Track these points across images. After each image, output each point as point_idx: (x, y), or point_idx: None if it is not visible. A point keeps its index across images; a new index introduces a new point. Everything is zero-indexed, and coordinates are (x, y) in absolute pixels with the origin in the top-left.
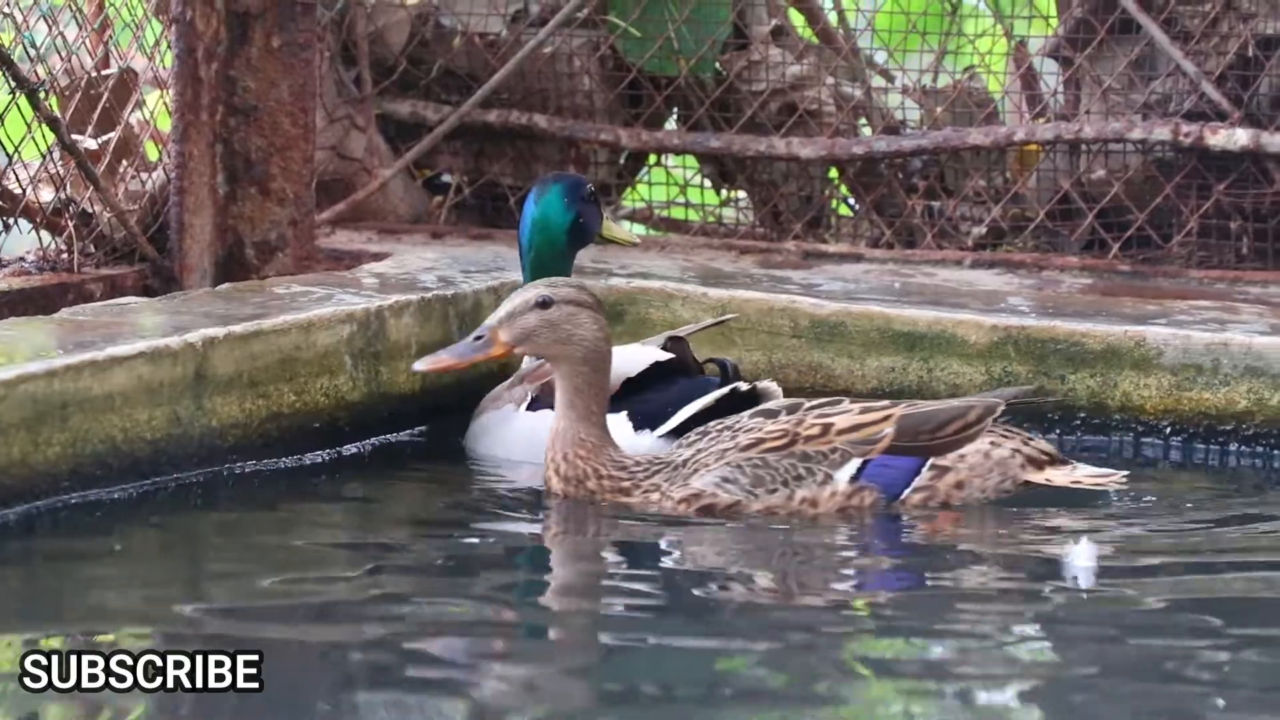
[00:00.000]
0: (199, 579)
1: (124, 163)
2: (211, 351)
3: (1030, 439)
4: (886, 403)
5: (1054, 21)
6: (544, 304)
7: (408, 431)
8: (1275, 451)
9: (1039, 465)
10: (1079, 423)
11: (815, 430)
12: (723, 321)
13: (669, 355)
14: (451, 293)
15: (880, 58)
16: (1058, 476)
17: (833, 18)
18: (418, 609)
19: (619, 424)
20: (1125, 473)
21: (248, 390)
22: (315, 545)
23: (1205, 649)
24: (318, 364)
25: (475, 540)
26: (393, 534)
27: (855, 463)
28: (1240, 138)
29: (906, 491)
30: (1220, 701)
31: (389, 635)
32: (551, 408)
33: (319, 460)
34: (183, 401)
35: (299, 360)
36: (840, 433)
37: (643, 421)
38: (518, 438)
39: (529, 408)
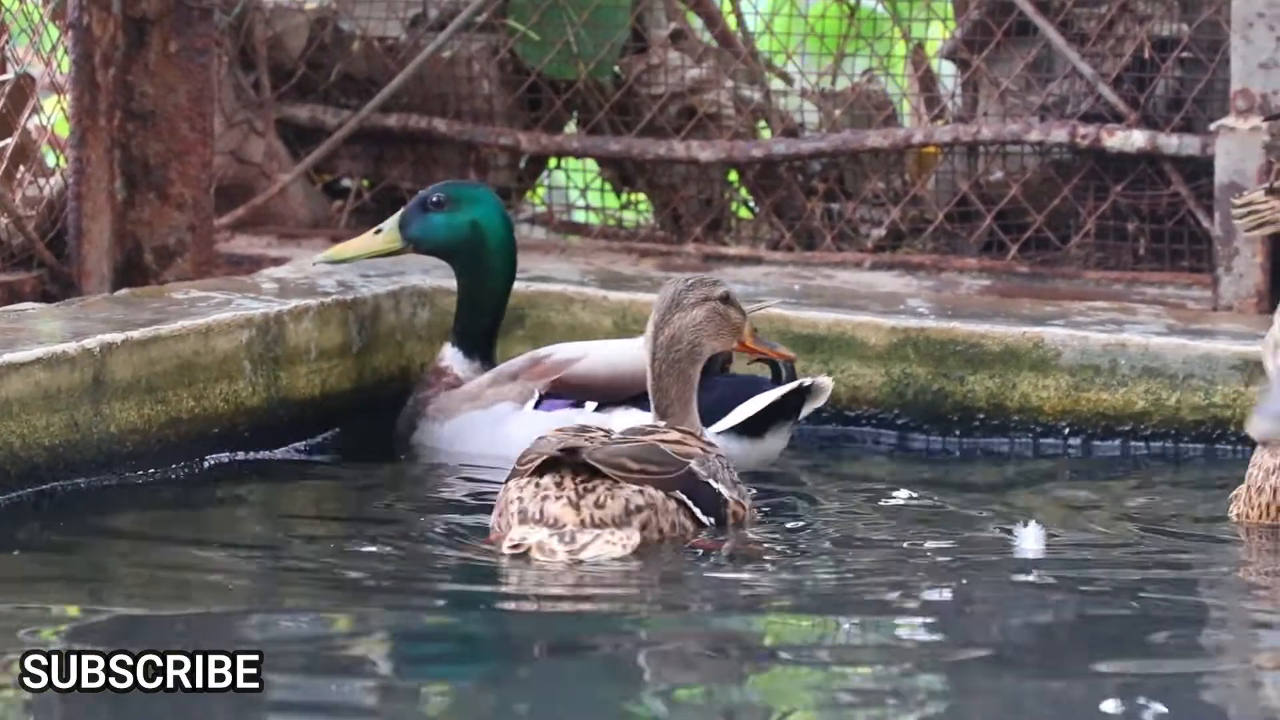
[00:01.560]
0: (98, 584)
1: (21, 168)
2: (110, 357)
3: (557, 499)
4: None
5: (951, 24)
6: None
7: (308, 436)
8: (1172, 450)
9: (523, 520)
10: (978, 424)
11: None
12: (761, 308)
13: None
14: (351, 297)
15: (779, 60)
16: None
17: (731, 21)
18: (322, 614)
19: (620, 416)
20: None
21: (146, 396)
22: (214, 550)
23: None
24: (217, 369)
25: (379, 547)
26: (293, 537)
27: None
28: (1137, 139)
29: None
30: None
31: (297, 640)
32: (574, 405)
33: (218, 465)
34: (81, 408)
35: (198, 365)
36: None
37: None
38: (525, 437)
39: (537, 406)
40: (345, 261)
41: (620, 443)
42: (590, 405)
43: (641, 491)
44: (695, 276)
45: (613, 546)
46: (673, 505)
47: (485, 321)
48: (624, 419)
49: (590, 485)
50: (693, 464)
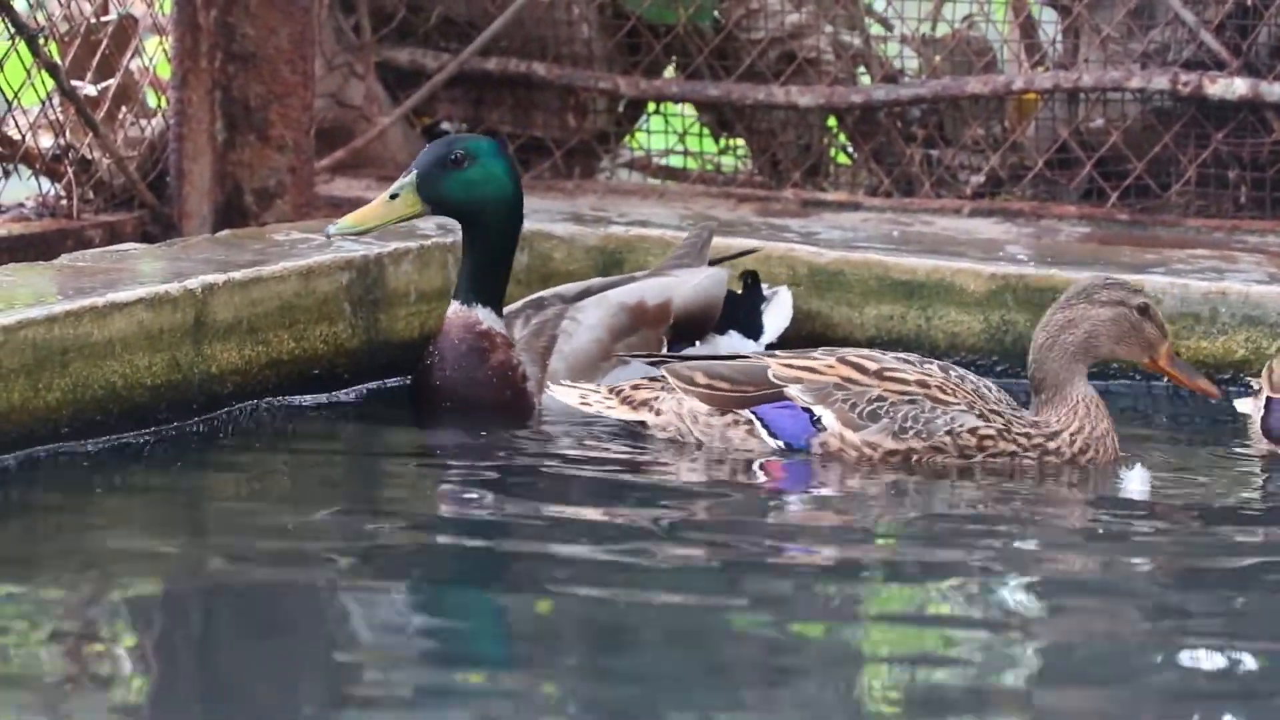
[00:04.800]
0: (200, 525)
1: (123, 109)
2: (211, 298)
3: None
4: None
5: None
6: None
7: (406, 379)
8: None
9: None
10: None
11: None
12: (748, 253)
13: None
14: (451, 240)
15: (879, 5)
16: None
17: None
18: (418, 558)
19: (736, 339)
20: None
21: (247, 337)
22: (314, 491)
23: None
24: (317, 311)
25: (477, 493)
26: (392, 482)
27: None
28: (1239, 87)
29: None
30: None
31: (392, 583)
32: (690, 344)
33: (318, 407)
34: (182, 348)
35: (298, 307)
36: None
37: (747, 334)
38: None
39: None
40: (366, 232)
41: (713, 359)
42: (699, 343)
43: (678, 401)
44: (1119, 278)
45: (587, 404)
46: (725, 419)
47: (504, 278)
48: (728, 345)
49: (662, 386)
50: (790, 388)
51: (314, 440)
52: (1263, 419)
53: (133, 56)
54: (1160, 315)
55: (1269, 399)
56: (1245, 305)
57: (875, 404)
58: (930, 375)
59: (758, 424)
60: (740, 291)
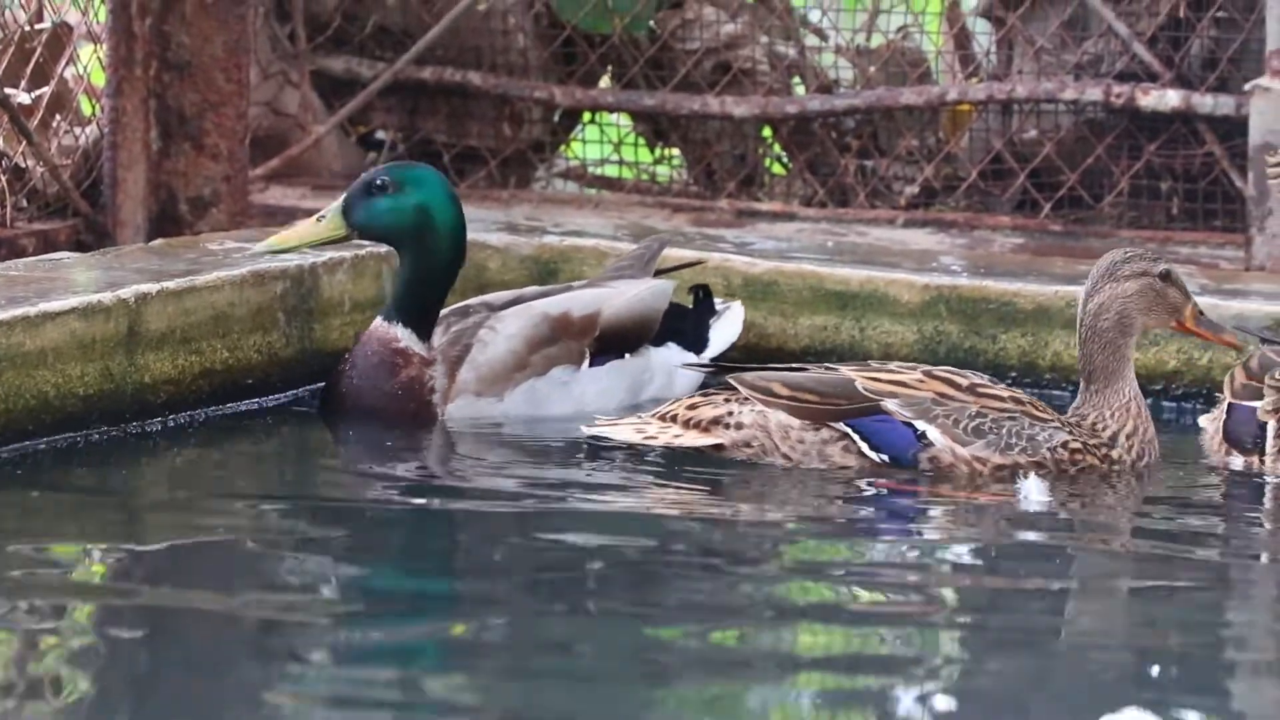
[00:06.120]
0: (130, 534)
1: (57, 117)
2: (144, 307)
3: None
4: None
5: None
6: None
7: None
8: (1204, 409)
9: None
10: (1010, 381)
11: None
12: (691, 265)
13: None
14: (385, 249)
15: (814, 16)
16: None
17: None
18: (356, 566)
19: (674, 352)
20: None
21: (181, 346)
22: (248, 501)
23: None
24: (251, 320)
25: (417, 498)
26: (329, 488)
27: None
28: (1171, 99)
29: None
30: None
31: (328, 594)
32: (618, 355)
33: (251, 416)
34: (115, 357)
35: (232, 317)
36: None
37: (689, 346)
38: (595, 393)
39: (591, 363)
40: (288, 251)
41: (786, 370)
42: (629, 355)
43: (761, 413)
44: (1136, 249)
45: (652, 439)
46: (821, 435)
47: (433, 303)
48: (663, 357)
49: (725, 399)
50: (888, 402)
51: (246, 450)
52: (1224, 424)
53: (67, 64)
54: (1181, 277)
55: (1230, 405)
56: None
57: (977, 420)
58: (1018, 392)
59: (856, 438)
60: (691, 305)
